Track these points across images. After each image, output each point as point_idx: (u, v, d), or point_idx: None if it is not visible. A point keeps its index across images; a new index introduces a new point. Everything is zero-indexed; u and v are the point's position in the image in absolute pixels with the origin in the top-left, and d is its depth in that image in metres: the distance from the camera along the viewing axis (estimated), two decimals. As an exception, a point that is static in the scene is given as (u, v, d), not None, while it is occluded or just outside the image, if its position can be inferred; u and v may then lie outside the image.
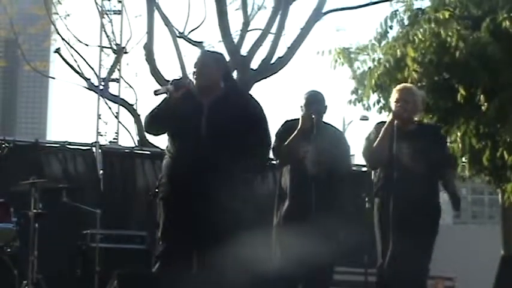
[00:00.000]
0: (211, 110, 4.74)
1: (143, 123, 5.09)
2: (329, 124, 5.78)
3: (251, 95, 5.06)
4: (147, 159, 9.76)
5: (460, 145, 9.37)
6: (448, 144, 8.64)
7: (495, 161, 9.39)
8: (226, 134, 4.63)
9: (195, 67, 4.86)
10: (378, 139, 5.50)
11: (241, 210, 4.69)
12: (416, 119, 5.71)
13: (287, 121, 5.75)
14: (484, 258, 9.98)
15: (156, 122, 4.81)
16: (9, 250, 6.75)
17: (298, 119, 5.62)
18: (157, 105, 4.80)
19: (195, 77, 4.82)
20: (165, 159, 4.88)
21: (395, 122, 5.45)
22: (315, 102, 5.63)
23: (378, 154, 5.51)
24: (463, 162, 9.80)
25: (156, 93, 4.81)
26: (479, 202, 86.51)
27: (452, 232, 14.64)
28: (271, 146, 5.10)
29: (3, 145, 7.45)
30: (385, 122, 5.60)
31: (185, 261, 4.64)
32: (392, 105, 5.62)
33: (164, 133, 4.89)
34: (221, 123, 4.66)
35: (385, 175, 5.52)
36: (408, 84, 6.20)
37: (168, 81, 4.91)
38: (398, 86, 5.81)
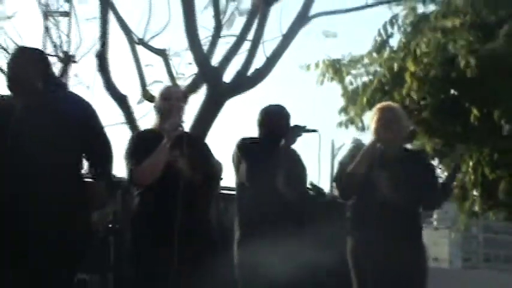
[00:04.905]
0: (23, 114, 4.63)
1: None
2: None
3: (80, 96, 4.98)
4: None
5: (471, 176, 9.30)
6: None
7: (512, 193, 9.41)
8: (43, 141, 4.52)
9: (6, 67, 4.87)
10: (354, 163, 5.49)
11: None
12: (403, 145, 5.74)
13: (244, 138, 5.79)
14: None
15: None
16: None
17: (256, 137, 5.78)
18: None
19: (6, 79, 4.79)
20: None
21: (378, 145, 5.48)
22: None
23: (350, 181, 5.49)
24: (475, 196, 9.78)
25: None
26: (492, 243, 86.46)
27: (461, 278, 14.62)
28: (112, 151, 4.94)
29: None
30: (364, 144, 5.62)
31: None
32: (373, 125, 5.61)
33: None
34: (36, 129, 4.55)
35: (359, 209, 5.51)
36: (392, 103, 6.21)
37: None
38: (380, 105, 5.84)
